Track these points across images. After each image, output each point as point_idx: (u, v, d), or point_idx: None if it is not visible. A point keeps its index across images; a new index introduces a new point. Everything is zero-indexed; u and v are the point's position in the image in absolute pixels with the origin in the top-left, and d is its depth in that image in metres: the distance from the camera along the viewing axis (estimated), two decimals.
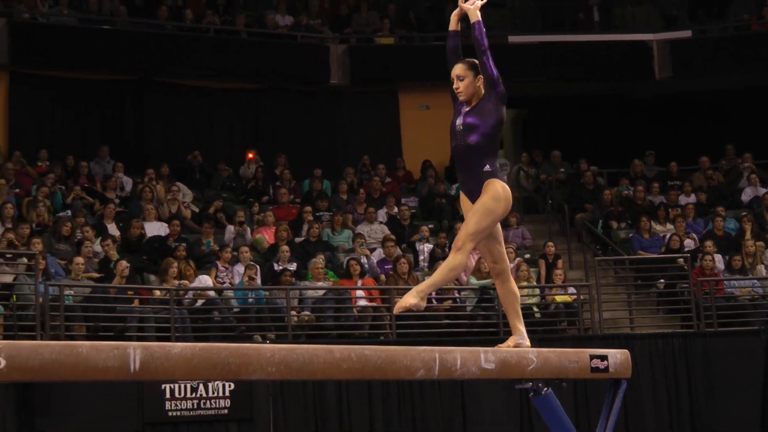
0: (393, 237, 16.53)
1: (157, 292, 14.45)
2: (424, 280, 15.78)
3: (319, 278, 15.20)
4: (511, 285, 6.33)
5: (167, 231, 16.02)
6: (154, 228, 16.15)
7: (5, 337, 12.05)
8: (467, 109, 6.25)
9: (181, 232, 16.02)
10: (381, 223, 17.54)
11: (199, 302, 14.66)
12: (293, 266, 15.47)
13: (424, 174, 19.68)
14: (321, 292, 15.15)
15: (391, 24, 21.46)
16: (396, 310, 6.01)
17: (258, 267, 15.24)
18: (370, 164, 19.59)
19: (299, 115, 20.38)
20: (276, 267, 15.38)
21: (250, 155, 19.01)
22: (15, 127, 18.40)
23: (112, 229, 15.94)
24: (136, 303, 14.24)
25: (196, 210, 17.54)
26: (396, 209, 18.07)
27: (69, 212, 16.20)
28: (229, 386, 13.45)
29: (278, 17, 21.02)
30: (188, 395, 13.34)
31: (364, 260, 15.80)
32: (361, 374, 5.59)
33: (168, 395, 13.25)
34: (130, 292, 14.30)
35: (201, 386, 13.32)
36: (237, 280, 15.10)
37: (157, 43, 19.60)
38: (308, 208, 17.36)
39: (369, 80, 20.65)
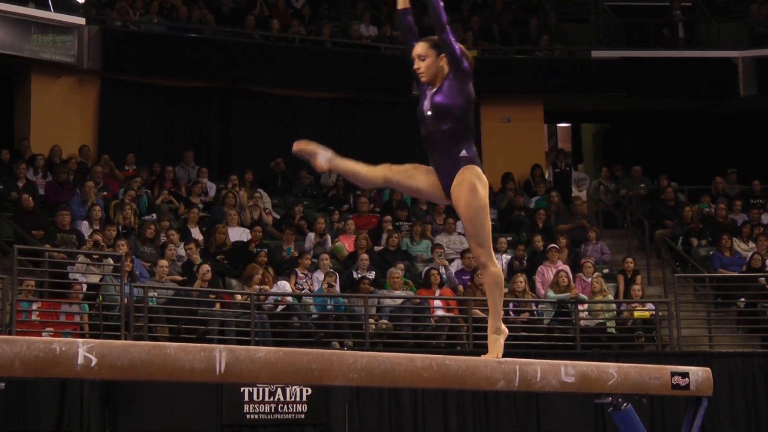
0: (466, 246, 16.49)
1: (239, 297, 14.57)
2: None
3: (397, 287, 15.22)
4: (488, 276, 5.76)
5: (249, 236, 16.16)
6: (236, 233, 16.28)
7: (91, 336, 12.25)
8: (433, 90, 5.73)
9: (262, 238, 16.14)
10: (460, 234, 17.50)
11: (279, 308, 14.76)
12: (372, 275, 15.51)
13: (503, 186, 19.62)
14: (399, 301, 15.18)
15: (474, 37, 21.44)
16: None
17: (337, 274, 15.31)
18: None
19: (381, 124, 20.43)
20: (355, 275, 15.44)
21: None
22: (104, 132, 18.67)
23: (196, 233, 16.11)
24: (217, 306, 14.38)
25: (278, 216, 17.67)
26: None
27: (154, 215, 16.40)
28: (307, 391, 13.52)
29: (362, 28, 21.12)
30: (266, 399, 13.43)
31: (442, 270, 15.80)
32: (441, 383, 5.60)
33: (247, 398, 13.35)
34: (212, 296, 14.44)
35: (279, 390, 13.41)
36: (316, 287, 15.18)
37: (243, 51, 19.78)
38: (388, 218, 17.40)
39: None
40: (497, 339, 5.73)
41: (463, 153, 5.64)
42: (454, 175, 5.62)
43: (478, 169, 5.64)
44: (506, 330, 5.80)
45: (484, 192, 5.63)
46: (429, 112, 5.70)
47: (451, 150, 5.64)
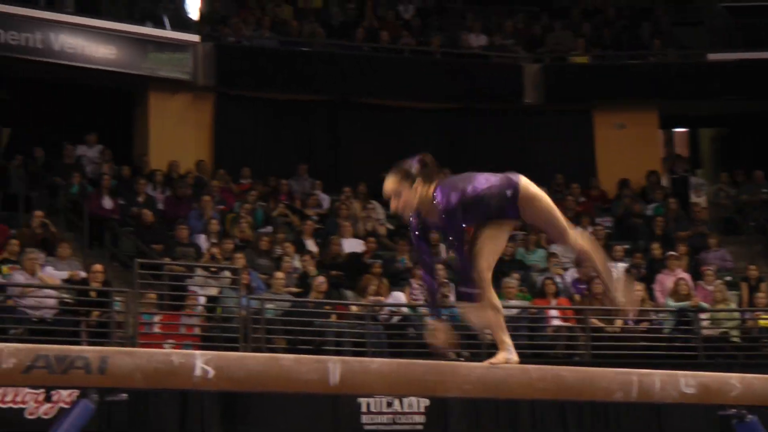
0: None
1: (354, 308, 14.63)
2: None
3: (511, 297, 15.13)
4: (491, 295, 5.54)
5: (363, 248, 16.23)
6: (351, 245, 16.37)
7: (210, 348, 12.42)
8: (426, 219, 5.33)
9: (376, 249, 16.20)
10: None
11: (395, 319, 14.78)
12: None
13: (619, 193, 19.39)
14: (515, 311, 15.08)
15: (586, 43, 21.26)
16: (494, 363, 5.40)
17: (453, 285, 15.28)
18: (564, 183, 19.42)
19: (492, 133, 20.36)
20: None
21: None
22: (220, 146, 18.96)
23: (311, 245, 16.24)
24: (333, 318, 14.46)
25: (391, 227, 17.71)
26: (591, 229, 17.84)
27: (270, 228, 16.58)
28: (425, 402, 13.50)
29: (472, 38, 21.08)
30: (384, 410, 13.45)
31: (558, 280, 15.66)
32: (556, 395, 5.56)
33: (364, 409, 13.39)
34: (327, 307, 14.53)
35: (396, 401, 13.41)
36: None
37: (353, 64, 19.91)
38: None
39: (563, 99, 20.49)
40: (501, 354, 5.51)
41: (509, 193, 5.46)
42: (515, 203, 5.48)
43: (524, 181, 5.57)
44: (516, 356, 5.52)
45: (542, 193, 5.60)
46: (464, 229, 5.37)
47: (500, 206, 5.42)
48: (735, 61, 20.67)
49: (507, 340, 5.54)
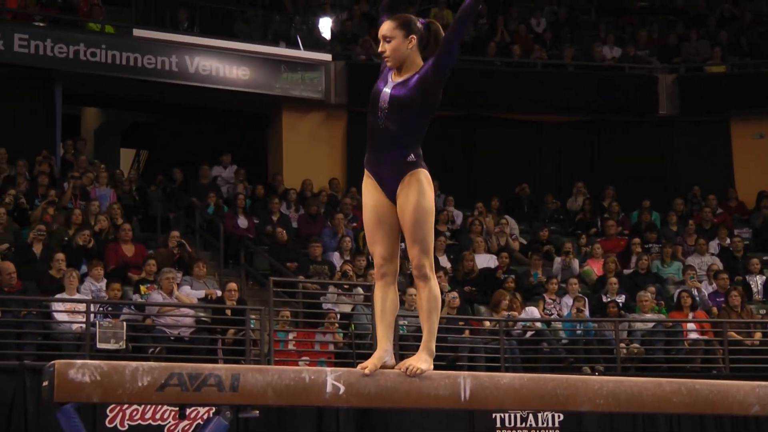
0: (721, 269, 16.06)
1: (487, 323, 14.60)
2: (758, 312, 15.22)
3: (647, 310, 14.93)
4: (394, 291, 5.26)
5: (496, 263, 16.19)
6: (484, 260, 16.34)
7: (345, 364, 12.53)
8: (399, 79, 5.07)
9: (509, 264, 16.15)
10: (712, 254, 17.03)
11: (528, 333, 14.71)
12: (622, 298, 15.27)
13: (758, 204, 18.97)
14: (651, 325, 14.87)
15: (723, 51, 20.88)
16: (409, 373, 4.97)
17: (586, 299, 15.15)
18: (701, 195, 19.11)
19: (627, 146, 20.14)
20: (604, 299, 15.23)
21: None
22: (352, 164, 19.08)
23: (444, 260, 16.25)
24: (466, 333, 14.45)
25: (524, 242, 17.65)
26: (728, 240, 17.51)
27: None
28: (559, 417, 13.40)
29: (605, 49, 20.90)
30: (518, 425, 13.38)
31: (695, 293, 15.40)
32: (691, 408, 5.48)
33: (499, 424, 13.33)
34: (461, 323, 14.53)
35: (531, 416, 13.34)
36: (565, 312, 15.06)
37: (485, 79, 19.90)
38: (637, 240, 17.10)
39: (699, 109, 20.16)
40: (422, 356, 5.07)
41: (411, 158, 5.10)
42: (399, 179, 5.10)
43: (426, 173, 5.14)
44: (433, 354, 5.13)
45: (431, 199, 5.17)
46: (386, 105, 5.06)
47: (397, 153, 5.08)
48: None
49: (387, 343, 5.12)
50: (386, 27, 5.06)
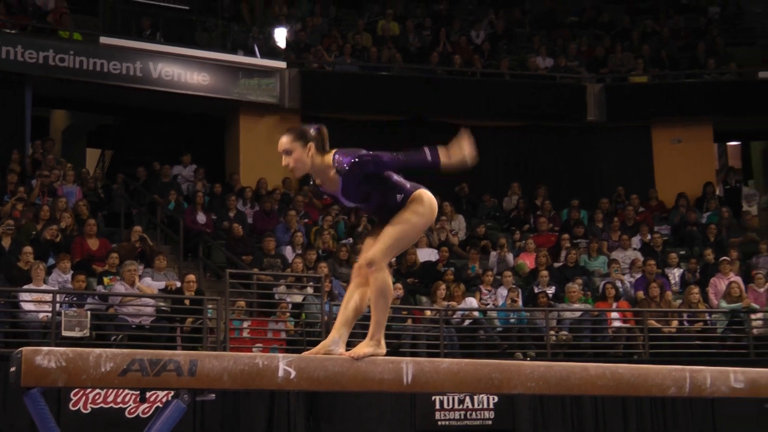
0: (641, 260, 16.22)
1: (428, 312, 14.63)
2: (675, 302, 15.38)
3: (575, 301, 15.04)
4: (388, 279, 5.16)
5: (437, 257, 16.22)
6: (426, 254, 16.37)
7: (295, 351, 12.50)
8: (330, 186, 5.15)
9: (449, 258, 16.18)
10: (635, 249, 17.19)
11: (466, 322, 14.75)
12: (552, 290, 15.37)
13: (676, 204, 19.17)
14: (578, 314, 14.98)
15: (645, 63, 21.06)
16: (354, 356, 4.98)
17: (519, 290, 15.22)
18: (625, 195, 19.27)
19: (558, 150, 20.26)
20: (536, 290, 15.32)
21: None
22: None
23: None
24: (409, 322, 14.46)
25: (463, 237, 17.69)
26: (649, 236, 17.67)
27: (351, 240, 16.64)
28: (493, 399, 13.45)
29: (539, 60, 21.00)
30: (456, 406, 13.42)
31: (619, 284, 15.53)
32: (615, 390, 5.52)
33: (438, 406, 13.36)
34: (403, 312, 14.54)
35: (468, 398, 13.38)
36: (500, 302, 15.13)
37: (429, 86, 19.93)
38: (566, 236, 17.21)
39: (623, 116, 20.32)
40: (367, 343, 5.06)
41: (399, 197, 5.18)
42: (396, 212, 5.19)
43: (418, 193, 5.22)
44: (384, 348, 5.13)
45: (419, 217, 5.17)
46: (351, 204, 5.22)
47: (388, 208, 5.19)
48: None
49: (339, 334, 5.11)
50: (284, 141, 5.04)
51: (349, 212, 17.66)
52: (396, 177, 5.22)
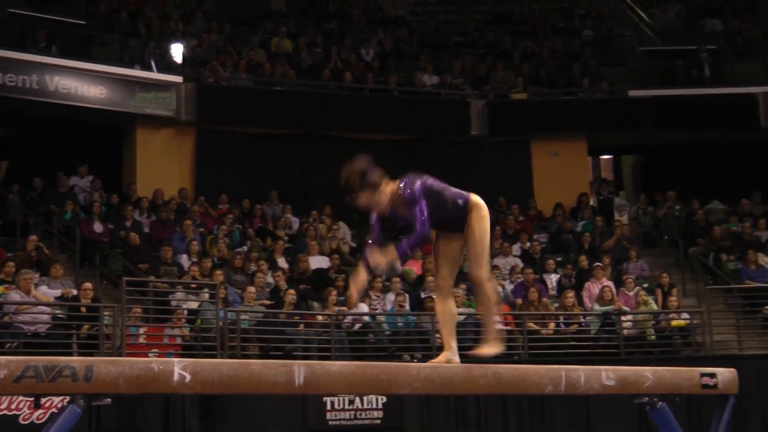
0: (520, 266, 16.45)
1: (320, 317, 14.60)
2: (552, 305, 15.63)
3: (459, 305, 15.14)
4: (451, 304, 5.86)
5: (328, 264, 16.20)
6: (317, 261, 16.34)
7: (191, 356, 12.35)
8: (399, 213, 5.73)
9: (340, 265, 16.18)
10: (515, 256, 17.42)
11: (356, 326, 14.76)
12: None
13: (553, 213, 19.51)
14: (462, 317, 15.10)
15: (525, 81, 21.39)
16: (482, 355, 5.74)
17: (407, 295, 15.29)
18: (506, 204, 19.52)
19: (443, 162, 20.33)
20: (422, 295, 15.41)
21: None
22: (200, 175, 18.88)
23: (282, 262, 16.19)
24: (301, 327, 14.41)
25: (353, 245, 17.71)
26: (528, 244, 17.94)
27: (245, 248, 16.52)
28: (382, 399, 13.48)
29: (425, 77, 21.16)
30: (346, 407, 13.41)
31: (499, 289, 15.71)
32: (496, 389, 5.58)
33: (329, 407, 13.34)
34: (296, 317, 14.49)
35: (357, 399, 13.38)
36: (388, 306, 15.17)
37: (320, 101, 19.93)
38: None
39: (504, 131, 20.59)
40: (493, 345, 5.83)
41: (461, 202, 5.71)
42: (463, 218, 5.70)
43: (476, 204, 5.71)
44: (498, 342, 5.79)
45: (485, 221, 5.72)
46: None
47: (455, 214, 5.71)
48: (652, 97, 20.89)
49: (453, 343, 5.68)
50: (363, 201, 5.71)
51: (242, 221, 17.54)
52: (451, 188, 5.78)
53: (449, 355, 5.68)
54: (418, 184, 5.58)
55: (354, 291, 5.78)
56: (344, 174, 5.65)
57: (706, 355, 14.73)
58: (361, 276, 5.66)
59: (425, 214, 5.53)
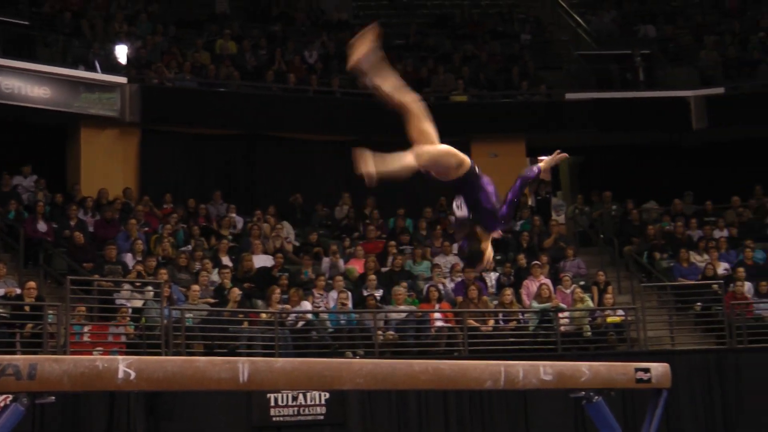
0: (461, 265, 16.52)
1: (263, 315, 14.54)
2: (492, 303, 15.72)
3: (401, 303, 15.20)
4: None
5: (272, 263, 16.14)
6: (261, 260, 16.27)
7: (136, 354, 12.22)
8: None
9: (283, 264, 16.13)
10: (455, 255, 17.49)
11: (300, 324, 14.73)
12: (380, 293, 15.49)
13: None
14: (403, 315, 15.15)
15: (465, 84, 21.49)
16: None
17: (349, 293, 15.29)
18: (446, 204, 19.58)
19: None
20: (365, 293, 15.42)
21: None
22: (144, 175, 18.70)
23: (226, 261, 16.10)
24: (245, 324, 14.35)
25: (297, 244, 17.66)
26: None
27: (190, 247, 16.40)
28: (325, 395, 13.46)
29: (368, 79, 21.11)
30: (290, 403, 13.38)
31: (441, 287, 15.78)
32: (437, 385, 5.60)
33: (273, 403, 13.30)
34: (240, 315, 14.42)
35: (301, 395, 13.35)
36: (331, 304, 15.16)
37: (264, 102, 19.84)
38: (393, 243, 17.39)
39: (444, 132, 20.42)
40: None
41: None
42: None
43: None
44: None
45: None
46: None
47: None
48: (588, 99, 21.10)
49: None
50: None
51: (187, 220, 17.40)
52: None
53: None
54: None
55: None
56: None
57: (640, 351, 14.92)
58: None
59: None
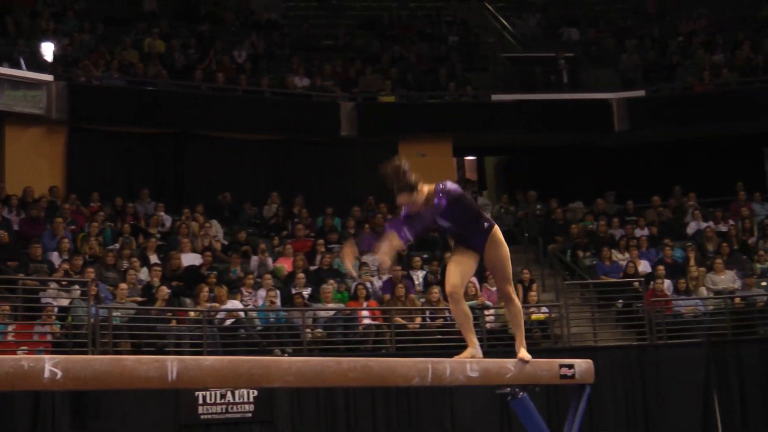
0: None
1: (192, 313, 14.42)
2: (419, 300, 15.76)
3: (329, 301, 15.18)
4: (464, 306, 6.13)
5: (201, 261, 16.01)
6: (190, 258, 16.12)
7: (62, 353, 12.01)
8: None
9: (212, 262, 16.00)
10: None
11: (228, 321, 14.63)
12: (308, 291, 15.46)
13: None
14: (332, 313, 15.13)
15: (393, 85, 21.54)
16: (527, 359, 6.03)
17: (278, 291, 15.22)
18: (374, 203, 19.60)
19: (314, 162, 20.40)
20: (293, 291, 15.37)
21: None
22: (71, 174, 18.42)
23: (154, 259, 15.92)
24: (173, 323, 14.21)
25: (225, 243, 17.54)
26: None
27: (117, 245, 16.18)
28: (253, 393, 13.39)
29: (296, 79, 21.10)
30: (218, 401, 13.28)
31: (369, 285, 15.79)
32: (365, 382, 5.59)
33: (201, 401, 13.19)
34: (168, 314, 14.27)
35: (229, 393, 13.27)
36: (260, 302, 15.08)
37: (193, 101, 19.67)
38: (321, 241, 17.36)
39: (373, 132, 20.68)
40: (525, 351, 6.10)
41: (486, 225, 6.03)
42: (483, 239, 6.03)
43: (496, 230, 6.06)
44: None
45: (505, 246, 6.11)
46: (446, 225, 6.04)
47: (477, 230, 6.02)
48: (514, 101, 21.33)
49: (474, 340, 6.01)
50: (404, 200, 5.89)
51: (115, 219, 17.17)
52: (483, 211, 6.25)
53: (473, 351, 5.94)
54: (449, 194, 5.87)
55: (348, 262, 6.60)
56: (386, 171, 5.86)
57: (564, 347, 15.09)
58: (350, 249, 6.36)
59: (433, 221, 5.92)
